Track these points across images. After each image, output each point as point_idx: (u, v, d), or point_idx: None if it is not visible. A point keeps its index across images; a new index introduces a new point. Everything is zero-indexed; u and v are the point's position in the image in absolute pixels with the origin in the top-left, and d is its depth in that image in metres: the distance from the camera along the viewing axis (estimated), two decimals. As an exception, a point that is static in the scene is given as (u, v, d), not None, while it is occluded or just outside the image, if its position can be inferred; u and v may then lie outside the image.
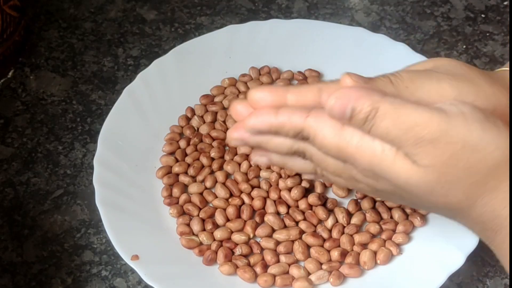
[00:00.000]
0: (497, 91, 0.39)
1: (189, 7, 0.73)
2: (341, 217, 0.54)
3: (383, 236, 0.53)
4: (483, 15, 0.73)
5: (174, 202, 0.56)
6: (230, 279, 0.52)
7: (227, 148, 0.59)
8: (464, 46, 0.70)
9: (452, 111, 0.36)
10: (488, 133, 0.36)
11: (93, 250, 0.55)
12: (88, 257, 0.55)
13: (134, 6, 0.74)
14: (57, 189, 0.59)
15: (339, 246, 0.53)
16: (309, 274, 0.51)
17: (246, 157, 0.58)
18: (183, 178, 0.57)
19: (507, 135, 0.36)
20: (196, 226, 0.54)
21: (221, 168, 0.58)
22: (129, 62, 0.68)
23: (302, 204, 0.55)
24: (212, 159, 0.58)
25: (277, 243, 0.53)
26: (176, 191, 0.56)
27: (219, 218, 0.55)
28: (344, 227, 0.54)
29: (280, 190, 0.55)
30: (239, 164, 0.58)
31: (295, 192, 0.55)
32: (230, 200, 0.56)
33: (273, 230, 0.54)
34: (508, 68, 0.44)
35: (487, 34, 0.71)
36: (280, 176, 0.56)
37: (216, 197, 0.56)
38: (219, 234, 0.54)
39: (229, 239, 0.53)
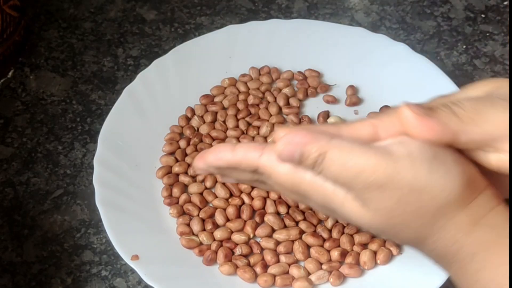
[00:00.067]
0: None
1: (189, 7, 0.73)
2: (341, 217, 0.54)
3: (383, 236, 0.53)
4: (483, 15, 0.73)
5: (174, 202, 0.56)
6: (230, 279, 0.52)
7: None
8: (464, 46, 0.70)
9: (399, 152, 0.36)
10: (435, 174, 0.36)
11: (93, 250, 0.55)
12: (88, 257, 0.55)
13: (134, 6, 0.74)
14: (57, 189, 0.59)
15: (339, 246, 0.53)
16: (309, 274, 0.51)
17: (246, 157, 0.58)
18: (183, 178, 0.57)
19: (456, 172, 0.36)
20: (196, 226, 0.54)
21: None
22: (129, 62, 0.68)
23: (302, 204, 0.55)
24: (212, 159, 0.58)
25: (277, 243, 0.53)
26: (176, 191, 0.56)
27: (219, 218, 0.55)
28: (344, 227, 0.54)
29: (280, 190, 0.55)
30: (239, 164, 0.58)
31: (295, 192, 0.55)
32: (230, 200, 0.56)
33: (273, 230, 0.54)
34: None
35: (487, 34, 0.71)
36: (280, 176, 0.56)
37: (216, 197, 0.56)
38: (219, 234, 0.54)
39: (229, 239, 0.53)
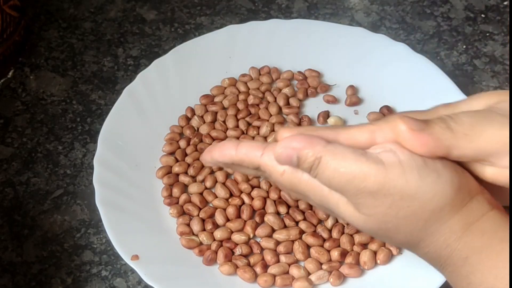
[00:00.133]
0: None
1: (189, 7, 0.73)
2: (341, 217, 0.54)
3: (383, 236, 0.53)
4: (483, 15, 0.73)
5: (174, 202, 0.56)
6: (230, 279, 0.52)
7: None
8: (464, 46, 0.70)
9: (389, 160, 0.37)
10: (425, 181, 0.36)
11: (93, 250, 0.55)
12: (88, 257, 0.55)
13: (134, 6, 0.74)
14: (57, 189, 0.59)
15: (339, 246, 0.53)
16: (309, 274, 0.51)
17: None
18: (183, 178, 0.57)
19: (447, 178, 0.37)
20: (196, 226, 0.54)
21: (221, 168, 0.58)
22: (129, 62, 0.68)
23: (302, 204, 0.55)
24: (212, 159, 0.58)
25: (277, 243, 0.53)
26: (176, 191, 0.56)
27: (219, 218, 0.55)
28: (344, 227, 0.54)
29: (280, 190, 0.55)
30: (239, 164, 0.58)
31: (295, 192, 0.55)
32: (230, 200, 0.56)
33: (273, 230, 0.54)
34: None
35: (487, 34, 0.71)
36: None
37: (216, 197, 0.56)
38: (219, 234, 0.54)
39: (229, 239, 0.53)
